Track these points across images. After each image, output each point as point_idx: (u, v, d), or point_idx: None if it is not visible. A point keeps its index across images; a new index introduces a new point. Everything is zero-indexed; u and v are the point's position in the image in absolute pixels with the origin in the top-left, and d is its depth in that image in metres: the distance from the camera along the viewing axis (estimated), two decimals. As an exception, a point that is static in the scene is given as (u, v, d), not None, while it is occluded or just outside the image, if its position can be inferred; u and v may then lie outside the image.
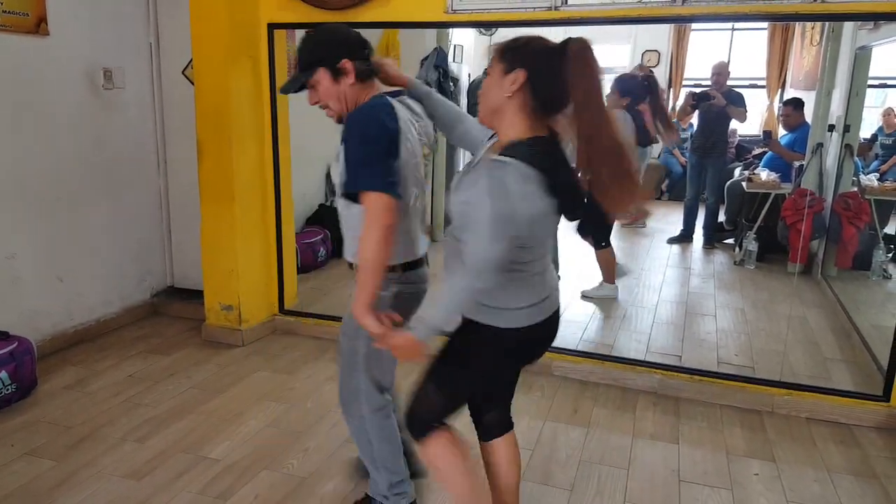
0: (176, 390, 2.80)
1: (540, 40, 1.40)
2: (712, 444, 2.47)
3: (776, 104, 6.09)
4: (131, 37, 3.44)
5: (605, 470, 2.29)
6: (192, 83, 3.25)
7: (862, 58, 3.83)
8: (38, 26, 2.94)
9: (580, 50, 1.35)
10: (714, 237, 5.10)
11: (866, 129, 4.52)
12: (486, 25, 3.64)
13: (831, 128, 4.21)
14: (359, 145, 1.55)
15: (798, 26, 5.67)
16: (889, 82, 4.62)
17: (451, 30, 4.98)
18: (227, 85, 3.08)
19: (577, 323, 3.59)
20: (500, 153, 1.36)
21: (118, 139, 3.41)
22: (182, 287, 3.81)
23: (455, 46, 5.51)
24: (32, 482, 2.16)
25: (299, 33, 4.26)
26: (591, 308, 3.79)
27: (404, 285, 1.72)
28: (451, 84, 4.97)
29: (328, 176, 4.60)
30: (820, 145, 4.30)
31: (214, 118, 3.14)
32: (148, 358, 3.13)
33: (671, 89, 6.65)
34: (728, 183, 5.11)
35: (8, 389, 2.58)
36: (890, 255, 4.17)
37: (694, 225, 5.19)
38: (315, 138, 3.49)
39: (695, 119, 5.38)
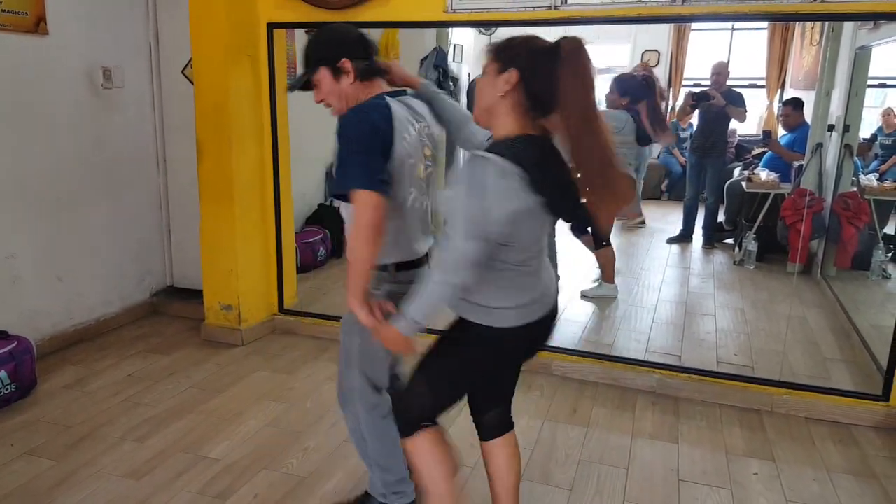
0: (175, 390, 2.81)
1: (534, 40, 1.40)
2: (711, 443, 2.48)
3: (776, 104, 6.11)
4: (131, 36, 3.44)
5: (604, 469, 2.29)
6: (192, 82, 3.25)
7: (861, 58, 3.83)
8: (37, 25, 2.94)
9: (573, 49, 1.34)
10: (714, 237, 5.11)
11: (866, 129, 4.53)
12: (485, 25, 3.64)
13: (831, 128, 4.21)
14: (348, 145, 1.58)
15: (798, 26, 5.67)
16: (888, 82, 4.62)
17: (450, 29, 4.98)
18: (227, 84, 3.08)
19: (577, 322, 3.59)
20: (483, 149, 1.37)
21: (117, 139, 3.41)
22: (182, 287, 3.81)
23: (455, 46, 5.52)
24: (32, 482, 2.16)
25: (299, 33, 4.28)
26: (590, 308, 3.80)
27: (396, 285, 1.72)
28: (451, 84, 4.97)
29: (328, 175, 4.60)
30: (819, 145, 4.30)
31: (214, 118, 3.13)
32: (147, 357, 3.13)
33: (671, 89, 6.65)
34: (728, 183, 5.11)
35: (7, 389, 2.58)
36: (889, 254, 4.17)
37: (693, 225, 5.19)
38: (315, 138, 3.50)
39: (694, 119, 5.39)
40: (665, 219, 5.90)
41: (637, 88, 3.80)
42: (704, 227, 5.11)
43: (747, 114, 4.96)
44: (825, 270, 4.20)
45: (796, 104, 4.79)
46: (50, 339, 3.13)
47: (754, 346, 3.27)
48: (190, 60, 3.32)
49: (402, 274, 1.74)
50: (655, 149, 6.20)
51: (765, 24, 5.83)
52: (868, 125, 4.61)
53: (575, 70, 1.34)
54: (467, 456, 2.19)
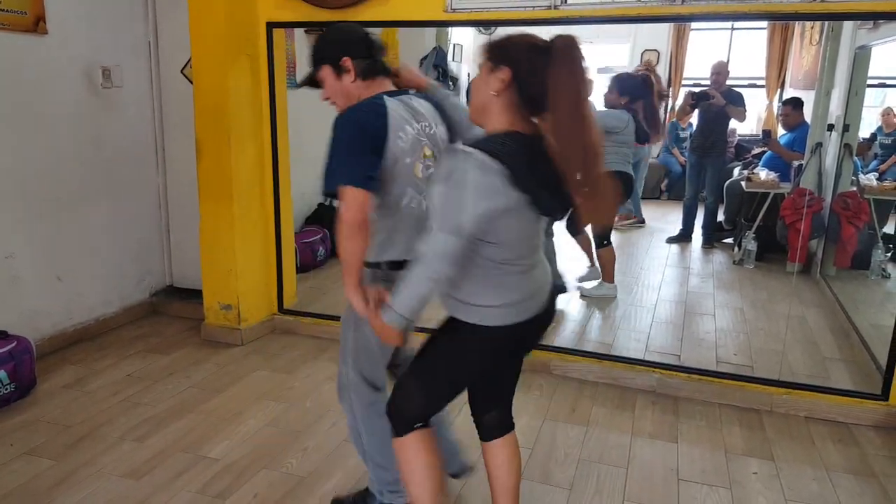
0: (175, 389, 2.80)
1: (527, 38, 1.39)
2: (711, 442, 2.48)
3: (775, 104, 6.11)
4: (130, 35, 3.44)
5: (603, 469, 2.29)
6: (191, 82, 3.25)
7: (861, 57, 3.83)
8: (37, 25, 2.94)
9: (565, 47, 1.34)
10: (713, 237, 5.11)
11: (865, 129, 4.53)
12: (485, 24, 3.63)
13: (830, 127, 4.21)
14: (337, 143, 1.59)
15: (797, 26, 5.67)
16: (888, 82, 4.62)
17: (450, 29, 4.99)
18: (226, 84, 3.08)
19: (576, 322, 3.59)
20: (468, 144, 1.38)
21: (117, 138, 3.41)
22: (181, 286, 3.81)
23: (454, 45, 5.52)
24: (31, 481, 2.16)
25: (298, 32, 4.28)
26: (590, 307, 3.80)
27: (389, 283, 1.72)
28: (451, 83, 4.97)
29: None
30: (819, 145, 4.30)
31: (213, 117, 3.13)
32: (147, 357, 3.13)
33: (671, 88, 6.65)
34: (727, 182, 5.12)
35: (7, 389, 2.58)
36: (889, 254, 4.17)
37: (693, 224, 5.20)
38: (314, 137, 3.48)
39: (694, 118, 5.39)
40: (665, 218, 5.90)
41: (636, 87, 3.81)
42: (704, 227, 5.11)
43: (747, 113, 4.96)
44: (824, 270, 4.20)
45: (796, 104, 4.79)
46: (49, 338, 3.12)
47: (754, 345, 3.27)
48: (189, 60, 3.32)
49: (396, 273, 1.74)
50: (655, 148, 6.20)
51: (764, 23, 5.82)
52: (867, 125, 4.61)
53: (567, 68, 1.33)
54: (467, 455, 2.18)
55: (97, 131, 3.30)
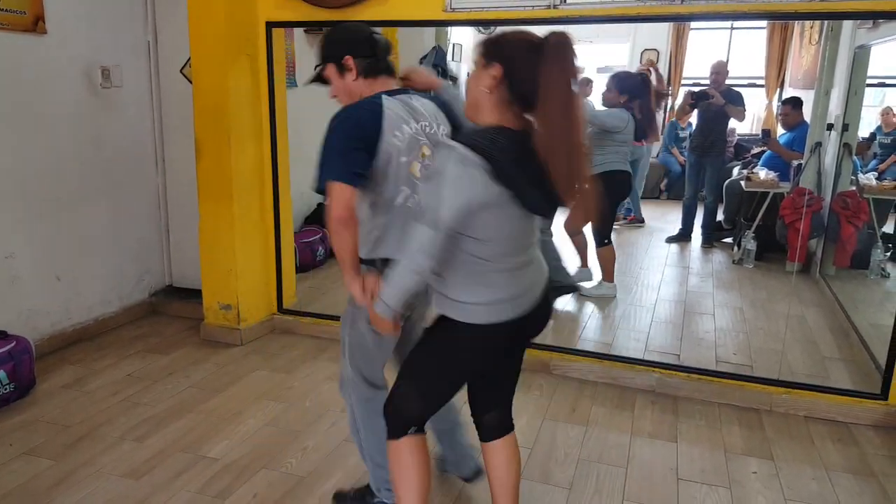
0: (174, 389, 2.80)
1: (521, 35, 1.39)
2: (710, 442, 2.48)
3: (775, 103, 6.11)
4: (129, 35, 3.44)
5: (603, 468, 2.29)
6: (191, 82, 3.25)
7: (861, 57, 3.83)
8: (36, 24, 2.94)
9: (557, 45, 1.33)
10: (713, 236, 5.11)
11: (865, 128, 4.52)
12: (484, 24, 3.63)
13: (830, 127, 4.21)
14: (328, 140, 1.62)
15: (797, 25, 5.67)
16: (888, 81, 4.62)
17: (449, 28, 4.98)
18: (226, 83, 3.08)
19: (576, 322, 3.59)
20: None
21: (116, 138, 3.41)
22: (180, 286, 3.81)
23: (454, 45, 5.52)
24: (31, 481, 2.15)
25: (298, 32, 4.28)
26: (589, 307, 3.80)
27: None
28: (450, 83, 4.97)
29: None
30: (818, 144, 4.30)
31: (213, 117, 3.13)
32: (146, 357, 3.13)
33: (670, 87, 6.65)
34: (727, 182, 5.12)
35: (6, 389, 2.58)
36: (888, 253, 4.17)
37: (692, 224, 5.20)
38: (314, 137, 3.48)
39: (693, 118, 5.39)
40: (664, 218, 5.90)
41: (635, 86, 3.81)
42: (703, 227, 5.11)
43: (746, 113, 4.96)
44: (824, 269, 4.20)
45: (795, 103, 4.79)
46: (49, 338, 3.12)
47: (753, 345, 3.27)
48: (189, 60, 3.32)
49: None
50: (655, 148, 6.20)
51: (764, 23, 5.82)
52: (867, 124, 4.61)
53: (559, 66, 1.33)
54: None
55: (97, 131, 3.29)
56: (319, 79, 1.80)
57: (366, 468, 2.15)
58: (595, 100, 4.20)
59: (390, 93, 1.71)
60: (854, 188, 4.16)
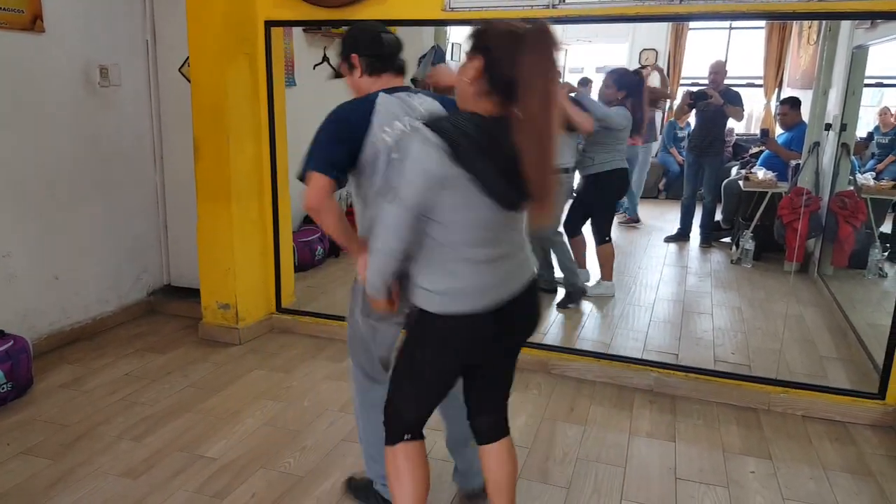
0: (172, 389, 2.80)
1: (503, 26, 1.39)
2: (709, 441, 2.48)
3: (773, 103, 6.12)
4: (127, 34, 3.43)
5: (601, 468, 2.29)
6: (189, 81, 3.24)
7: (858, 57, 3.84)
8: (34, 23, 2.93)
9: (537, 36, 1.34)
10: (711, 236, 5.12)
11: (862, 128, 4.53)
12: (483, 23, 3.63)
13: (828, 127, 4.22)
14: (316, 133, 1.68)
15: (795, 25, 5.68)
16: (885, 81, 4.63)
17: (448, 28, 4.98)
18: (224, 83, 3.07)
19: (574, 321, 3.59)
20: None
21: (114, 137, 3.40)
22: (179, 285, 3.80)
23: (453, 44, 5.51)
24: (28, 481, 2.15)
25: (297, 31, 4.28)
26: (588, 306, 3.80)
27: None
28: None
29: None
30: (816, 144, 4.31)
31: (211, 116, 3.13)
32: (144, 356, 3.12)
33: (668, 88, 6.66)
34: (725, 182, 5.12)
35: (4, 388, 2.57)
36: (886, 253, 4.18)
37: (691, 224, 5.20)
38: (312, 136, 3.49)
39: (692, 118, 5.40)
40: (663, 218, 5.91)
41: (633, 84, 3.82)
42: (702, 226, 5.12)
43: (745, 113, 4.97)
44: (822, 269, 4.21)
45: (793, 103, 4.79)
46: (46, 337, 3.12)
47: (751, 344, 3.27)
48: (187, 59, 3.31)
49: None
50: (654, 147, 6.21)
51: (762, 23, 5.83)
52: (865, 124, 4.61)
53: (538, 57, 1.33)
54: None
55: (95, 130, 3.29)
56: (340, 74, 1.87)
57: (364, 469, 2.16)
58: (595, 97, 4.20)
59: (390, 90, 1.73)
60: (852, 188, 4.17)
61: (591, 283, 3.96)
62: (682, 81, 6.65)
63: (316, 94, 4.18)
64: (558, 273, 3.85)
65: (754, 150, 5.53)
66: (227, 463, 2.27)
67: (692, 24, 6.37)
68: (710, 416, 2.66)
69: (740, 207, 4.91)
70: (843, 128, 4.01)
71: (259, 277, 3.42)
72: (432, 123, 1.37)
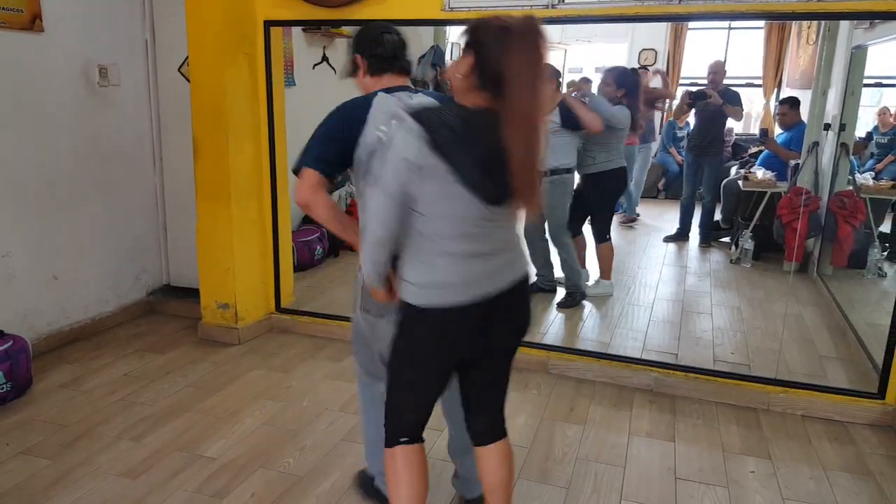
0: (172, 389, 2.80)
1: (494, 20, 1.39)
2: (708, 441, 2.48)
3: (772, 103, 6.12)
4: (127, 34, 3.43)
5: (601, 467, 2.29)
6: (188, 80, 3.24)
7: (858, 57, 3.84)
8: (33, 23, 2.93)
9: (524, 30, 1.34)
10: (710, 235, 5.12)
11: (862, 128, 4.53)
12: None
13: (827, 126, 4.22)
14: (315, 130, 1.72)
15: (794, 25, 5.68)
16: (884, 81, 4.63)
17: (447, 28, 4.98)
18: (224, 82, 3.07)
19: (574, 321, 3.59)
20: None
21: (114, 136, 3.40)
22: (178, 285, 3.80)
23: (452, 44, 5.51)
24: (27, 481, 2.15)
25: (296, 30, 4.27)
26: (587, 306, 3.80)
27: None
28: (451, 85, 4.97)
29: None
30: (816, 144, 4.31)
31: (210, 116, 3.12)
32: (144, 356, 3.12)
33: (670, 90, 6.66)
34: (724, 181, 5.12)
35: (3, 388, 2.57)
36: (885, 253, 4.18)
37: (690, 223, 5.20)
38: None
39: (691, 118, 5.40)
40: (662, 217, 5.91)
41: (632, 83, 3.82)
42: (701, 226, 5.12)
43: (744, 113, 4.97)
44: (821, 269, 4.21)
45: (793, 103, 4.79)
46: (46, 337, 3.12)
47: (751, 344, 3.28)
48: (186, 58, 3.31)
49: None
50: (654, 147, 6.22)
51: (761, 23, 5.84)
52: (864, 124, 4.62)
53: (525, 52, 1.33)
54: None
55: (94, 130, 3.28)
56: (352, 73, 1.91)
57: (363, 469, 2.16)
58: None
59: (390, 90, 1.74)
60: (851, 188, 4.17)
61: (590, 283, 3.96)
62: (681, 81, 6.65)
63: (315, 93, 4.19)
64: (558, 273, 3.86)
65: (753, 149, 5.53)
66: (227, 463, 2.27)
67: (691, 24, 6.38)
68: (709, 416, 2.67)
69: (739, 207, 4.92)
70: (843, 128, 4.01)
71: (258, 277, 3.42)
72: (416, 114, 1.38)
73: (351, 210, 1.76)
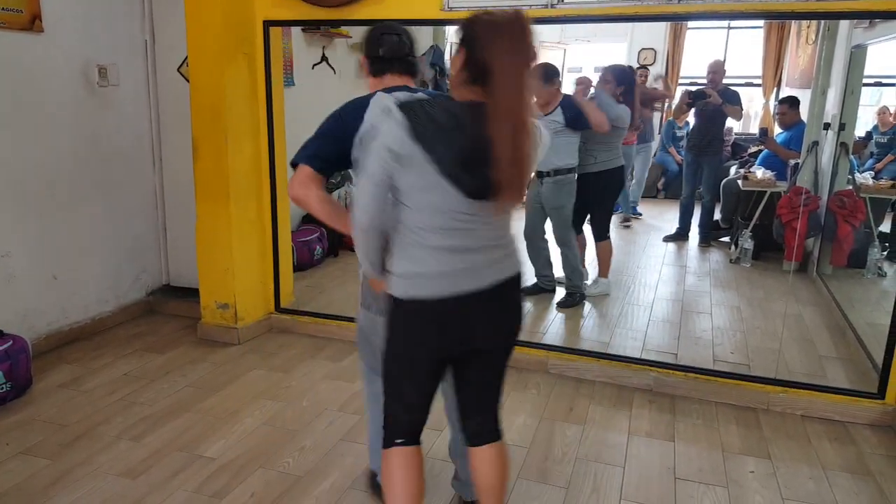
0: (171, 389, 2.80)
1: (484, 15, 1.39)
2: (708, 441, 2.48)
3: (772, 102, 6.12)
4: (126, 34, 3.43)
5: (600, 467, 2.29)
6: (188, 80, 3.24)
7: (857, 56, 3.84)
8: (33, 23, 2.93)
9: (510, 23, 1.34)
10: (710, 235, 5.12)
11: (861, 128, 4.53)
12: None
13: (826, 126, 4.22)
14: (316, 129, 1.74)
15: (794, 25, 5.68)
16: (884, 81, 4.63)
17: (447, 27, 4.98)
18: (223, 82, 3.07)
19: (574, 320, 3.59)
20: None
21: (113, 136, 3.40)
22: (178, 285, 3.80)
23: (451, 44, 5.51)
24: (27, 481, 2.15)
25: (296, 30, 4.27)
26: (587, 306, 3.80)
27: None
28: (448, 82, 4.97)
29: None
30: (815, 143, 4.31)
31: (210, 116, 3.12)
32: (143, 356, 3.12)
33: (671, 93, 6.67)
34: (724, 181, 5.12)
35: (3, 388, 2.57)
36: (885, 252, 4.18)
37: (690, 223, 5.20)
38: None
39: (691, 117, 5.40)
40: (661, 217, 5.91)
41: (630, 81, 3.83)
42: (701, 226, 5.12)
43: (743, 112, 4.97)
44: (821, 268, 4.21)
45: (792, 102, 4.79)
46: (45, 337, 3.12)
47: (750, 343, 3.28)
48: (186, 58, 3.31)
49: None
50: (653, 147, 6.22)
51: (761, 22, 5.84)
52: (863, 123, 4.62)
53: (510, 45, 1.33)
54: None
55: (93, 130, 3.28)
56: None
57: (364, 469, 2.16)
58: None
59: (390, 89, 1.74)
60: (851, 187, 4.17)
61: (588, 282, 3.96)
62: (680, 81, 6.65)
63: (314, 94, 4.19)
64: (558, 273, 3.86)
65: (753, 149, 5.53)
66: (226, 463, 2.27)
67: (691, 24, 6.38)
68: (709, 416, 2.67)
69: (739, 207, 4.91)
70: (842, 127, 4.01)
71: (258, 277, 3.42)
72: (403, 105, 1.40)
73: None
